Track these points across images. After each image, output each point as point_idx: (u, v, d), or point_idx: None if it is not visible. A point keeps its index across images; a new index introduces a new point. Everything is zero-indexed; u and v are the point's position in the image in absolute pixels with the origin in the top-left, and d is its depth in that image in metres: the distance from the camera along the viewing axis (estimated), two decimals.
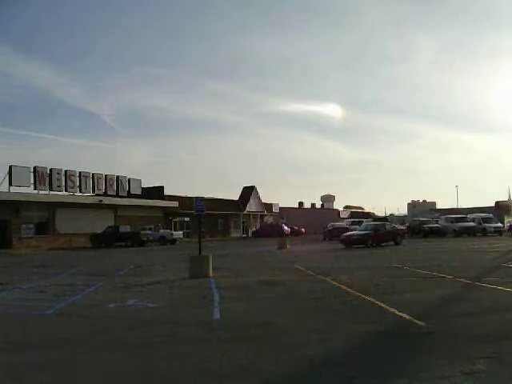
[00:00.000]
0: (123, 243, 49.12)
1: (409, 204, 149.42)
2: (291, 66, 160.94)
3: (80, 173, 54.89)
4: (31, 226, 49.74)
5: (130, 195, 61.22)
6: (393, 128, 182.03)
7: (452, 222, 56.14)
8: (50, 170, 51.06)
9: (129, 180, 62.17)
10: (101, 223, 52.54)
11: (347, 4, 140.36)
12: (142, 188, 64.24)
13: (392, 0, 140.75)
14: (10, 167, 46.98)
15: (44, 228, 50.88)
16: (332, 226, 61.37)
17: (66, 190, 52.96)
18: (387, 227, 42.01)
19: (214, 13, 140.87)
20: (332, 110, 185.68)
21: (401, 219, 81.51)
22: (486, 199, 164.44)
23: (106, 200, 56.72)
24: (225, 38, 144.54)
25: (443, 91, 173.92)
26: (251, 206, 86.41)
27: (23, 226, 48.68)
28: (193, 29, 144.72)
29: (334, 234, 51.70)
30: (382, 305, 11.46)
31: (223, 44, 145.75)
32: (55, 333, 9.91)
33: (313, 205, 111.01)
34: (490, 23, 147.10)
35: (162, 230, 55.61)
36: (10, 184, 46.92)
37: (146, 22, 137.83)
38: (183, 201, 63.03)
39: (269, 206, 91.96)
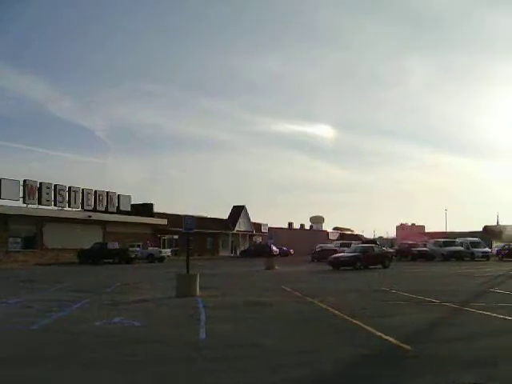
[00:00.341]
0: (111, 260, 48.80)
1: (398, 227, 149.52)
2: (282, 84, 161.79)
3: (70, 187, 54.75)
4: (19, 239, 49.44)
5: (119, 211, 61.07)
6: (383, 150, 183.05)
7: (440, 246, 56.22)
8: (40, 183, 50.88)
9: (118, 196, 62.05)
10: (89, 239, 52.23)
11: (338, 23, 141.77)
12: (132, 205, 64.09)
13: (383, 20, 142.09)
14: (0, 180, 46.78)
15: (32, 242, 50.54)
16: (320, 247, 61.25)
17: (55, 205, 52.74)
18: (376, 250, 42.02)
19: (205, 29, 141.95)
20: (323, 131, 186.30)
21: (389, 242, 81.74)
22: (475, 223, 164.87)
23: (95, 216, 56.55)
24: (215, 55, 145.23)
25: (434, 114, 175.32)
26: (240, 226, 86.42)
27: (10, 239, 48.38)
28: (183, 44, 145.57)
29: (323, 256, 51.59)
30: (369, 328, 11.45)
31: (214, 61, 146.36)
32: (40, 349, 9.85)
33: (302, 225, 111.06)
34: (482, 46, 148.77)
35: (150, 248, 55.36)
36: None
37: (137, 35, 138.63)
38: (172, 218, 62.78)
39: (258, 226, 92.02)
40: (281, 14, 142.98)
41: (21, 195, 48.74)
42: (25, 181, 49.31)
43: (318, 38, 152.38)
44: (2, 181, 46.83)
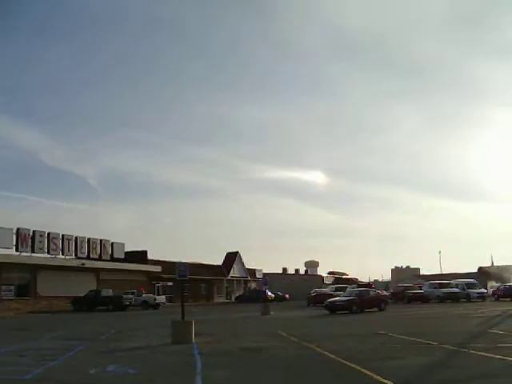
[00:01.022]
0: (105, 307, 48.41)
1: (392, 270, 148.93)
2: (269, 132, 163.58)
3: (63, 235, 54.78)
4: (12, 287, 49.10)
5: (112, 259, 60.92)
6: (375, 195, 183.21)
7: (436, 288, 56.24)
8: (33, 231, 50.94)
9: (112, 244, 62.08)
10: (83, 287, 51.90)
11: (323, 70, 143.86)
12: (125, 252, 64.04)
13: (368, 67, 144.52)
14: None
15: (25, 290, 50.22)
16: (316, 291, 61.01)
17: (48, 253, 52.66)
18: (371, 293, 41.90)
19: (190, 78, 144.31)
20: (314, 177, 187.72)
21: (385, 285, 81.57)
22: (469, 265, 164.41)
23: (89, 263, 56.39)
24: (201, 104, 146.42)
25: (424, 158, 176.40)
26: (235, 272, 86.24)
27: (3, 287, 48.07)
28: (169, 93, 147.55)
29: (318, 300, 51.29)
30: (367, 372, 11.30)
31: (199, 109, 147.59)
32: None
33: (297, 270, 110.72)
34: (469, 92, 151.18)
35: (144, 295, 54.94)
36: None
37: (125, 85, 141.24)
38: (166, 265, 62.53)
39: (252, 272, 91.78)
40: (265, 62, 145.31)
41: (14, 243, 48.69)
42: (18, 229, 49.37)
43: (303, 85, 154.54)
44: None
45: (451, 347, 15.49)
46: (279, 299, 73.16)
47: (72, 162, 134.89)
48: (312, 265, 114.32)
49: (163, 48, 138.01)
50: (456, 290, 55.35)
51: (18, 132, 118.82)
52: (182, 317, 19.53)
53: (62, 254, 54.97)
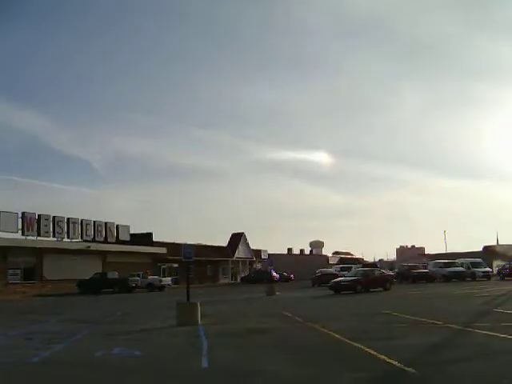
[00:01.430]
0: (111, 289, 48.57)
1: (397, 249, 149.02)
2: (273, 112, 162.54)
3: (68, 219, 54.72)
4: (18, 271, 49.21)
5: (118, 241, 60.94)
6: (380, 174, 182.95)
7: (441, 267, 56.20)
8: (39, 215, 50.89)
9: (117, 226, 62.02)
10: (89, 269, 51.91)
11: (325, 50, 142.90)
12: (131, 234, 64.03)
13: (375, 47, 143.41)
14: None
15: (31, 274, 50.31)
16: (321, 272, 61.02)
17: (53, 236, 52.69)
18: (376, 273, 41.91)
19: (191, 62, 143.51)
20: (318, 157, 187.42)
21: (390, 264, 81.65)
22: (474, 244, 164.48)
23: (94, 246, 56.38)
24: (203, 85, 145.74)
25: (429, 138, 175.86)
26: (240, 253, 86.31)
27: (10, 271, 48.16)
28: (170, 75, 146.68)
29: (323, 280, 51.37)
30: (372, 352, 11.33)
31: (202, 91, 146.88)
32: (40, 382, 9.73)
33: (302, 251, 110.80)
34: (473, 73, 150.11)
35: (150, 277, 55.04)
36: None
37: (126, 68, 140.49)
38: (172, 247, 62.63)
39: (257, 253, 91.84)
40: (268, 44, 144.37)
41: (19, 227, 48.73)
42: (23, 213, 49.34)
43: (306, 66, 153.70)
44: (1, 213, 46.85)
45: (456, 326, 15.51)
46: (284, 279, 73.36)
47: (76, 145, 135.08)
48: (317, 245, 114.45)
49: (165, 31, 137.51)
50: (461, 269, 55.34)
51: (22, 118, 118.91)
52: (188, 298, 19.58)
53: (68, 238, 55.00)
